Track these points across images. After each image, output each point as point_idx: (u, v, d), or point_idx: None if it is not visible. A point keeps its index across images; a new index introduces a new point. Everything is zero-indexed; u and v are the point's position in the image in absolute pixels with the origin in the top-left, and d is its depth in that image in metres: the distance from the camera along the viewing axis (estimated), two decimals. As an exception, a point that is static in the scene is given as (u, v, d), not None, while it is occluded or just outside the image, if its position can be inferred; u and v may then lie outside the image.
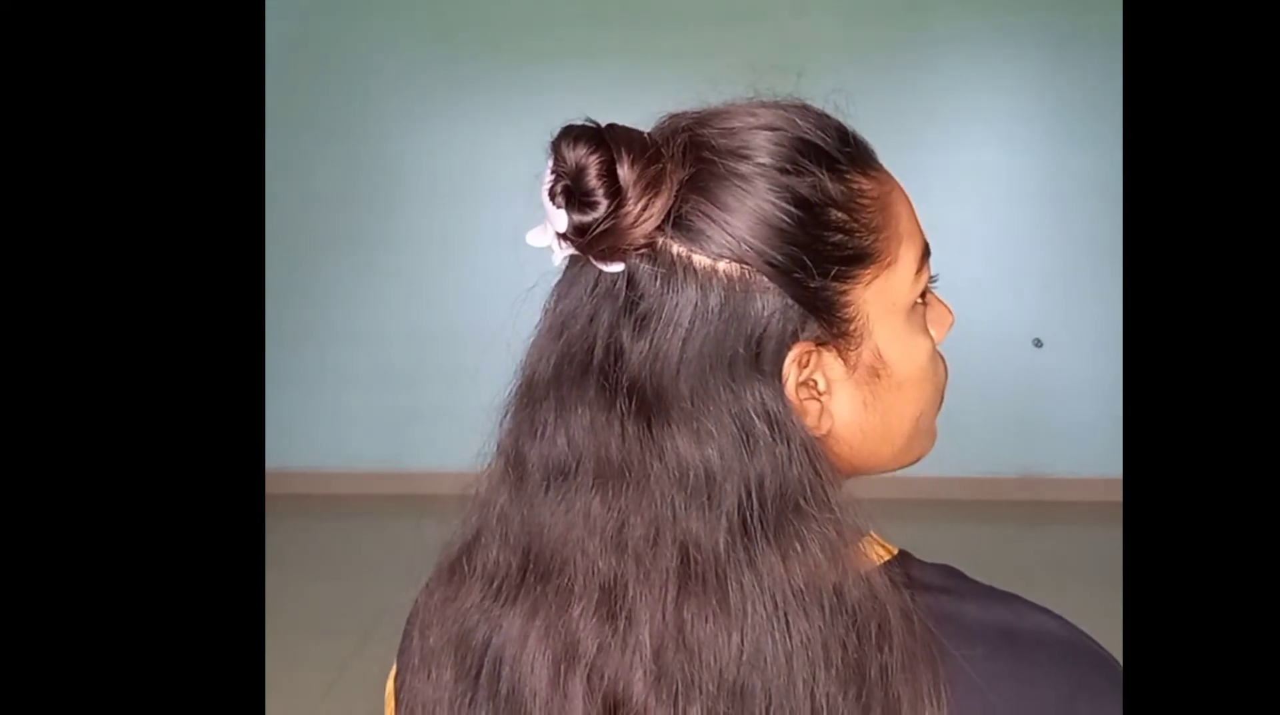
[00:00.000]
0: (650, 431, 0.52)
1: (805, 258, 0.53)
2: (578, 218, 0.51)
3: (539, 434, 0.56)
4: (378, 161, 3.85)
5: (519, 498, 0.57)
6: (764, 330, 0.53)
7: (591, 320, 0.55)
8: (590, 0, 3.74)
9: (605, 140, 0.52)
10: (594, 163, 0.51)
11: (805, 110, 0.58)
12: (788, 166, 0.54)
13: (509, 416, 0.59)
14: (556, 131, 0.53)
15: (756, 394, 0.52)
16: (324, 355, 3.95)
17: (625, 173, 0.51)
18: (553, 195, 0.52)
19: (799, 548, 0.52)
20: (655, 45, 3.64)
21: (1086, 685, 0.54)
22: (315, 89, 3.82)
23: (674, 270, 0.52)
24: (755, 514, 0.52)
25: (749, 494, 0.52)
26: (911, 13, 3.69)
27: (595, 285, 0.55)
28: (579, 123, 0.53)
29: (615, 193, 0.51)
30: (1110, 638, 0.58)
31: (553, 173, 0.52)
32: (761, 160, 0.54)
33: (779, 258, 0.52)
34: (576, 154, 0.51)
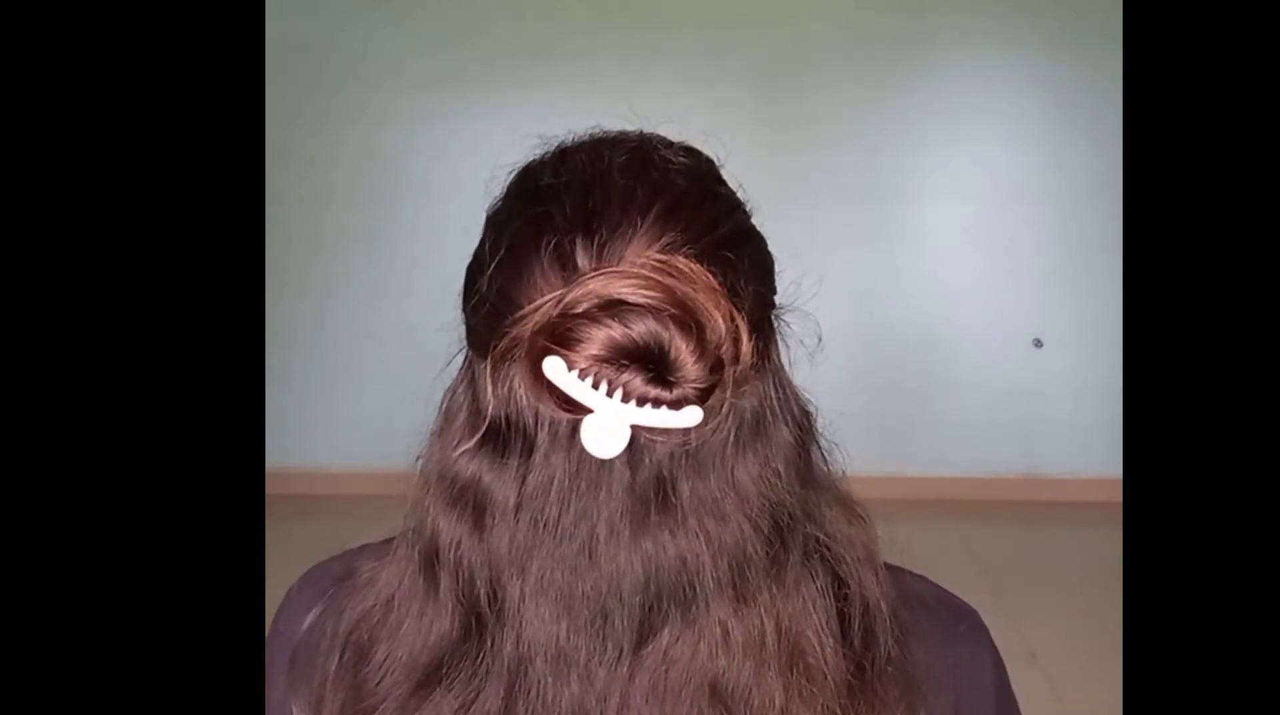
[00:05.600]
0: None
1: None
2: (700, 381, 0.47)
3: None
4: (377, 159, 3.85)
5: None
6: None
7: None
8: None
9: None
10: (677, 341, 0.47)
11: None
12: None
13: None
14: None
15: None
16: (322, 354, 3.95)
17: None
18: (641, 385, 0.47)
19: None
20: (656, 45, 3.64)
21: (978, 631, 0.61)
22: (315, 86, 3.82)
23: None
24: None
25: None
26: (912, 13, 3.69)
27: None
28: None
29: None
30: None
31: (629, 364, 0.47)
32: None
33: None
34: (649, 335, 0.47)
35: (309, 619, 0.61)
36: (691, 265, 0.48)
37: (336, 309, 3.95)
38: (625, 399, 0.47)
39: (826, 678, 0.51)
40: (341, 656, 0.56)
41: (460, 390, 0.55)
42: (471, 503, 0.52)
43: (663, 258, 0.48)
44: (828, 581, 0.53)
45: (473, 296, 0.54)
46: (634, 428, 0.48)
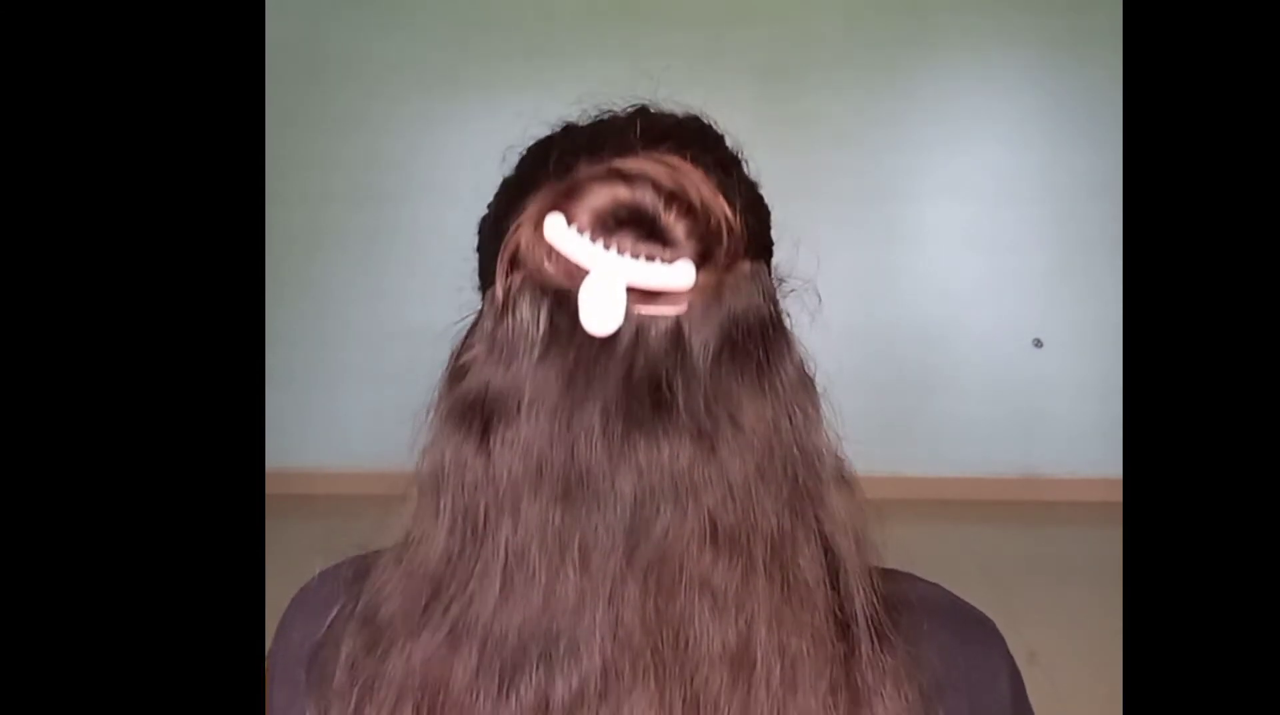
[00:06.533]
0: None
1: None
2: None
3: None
4: (378, 160, 3.85)
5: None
6: None
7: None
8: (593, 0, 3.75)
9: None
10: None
11: None
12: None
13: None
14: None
15: None
16: (323, 353, 3.95)
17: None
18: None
19: None
20: (658, 45, 3.64)
21: (993, 639, 0.61)
22: (316, 87, 3.82)
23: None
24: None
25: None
26: (912, 13, 3.69)
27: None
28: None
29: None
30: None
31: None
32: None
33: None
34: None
35: (330, 615, 0.61)
36: (687, 164, 0.52)
37: (336, 309, 3.95)
38: (620, 252, 0.49)
39: (817, 607, 0.52)
40: (358, 618, 0.57)
41: (469, 331, 0.57)
42: (479, 413, 0.54)
43: (661, 156, 0.52)
44: (815, 528, 0.54)
45: (483, 226, 0.58)
46: (630, 296, 0.50)
